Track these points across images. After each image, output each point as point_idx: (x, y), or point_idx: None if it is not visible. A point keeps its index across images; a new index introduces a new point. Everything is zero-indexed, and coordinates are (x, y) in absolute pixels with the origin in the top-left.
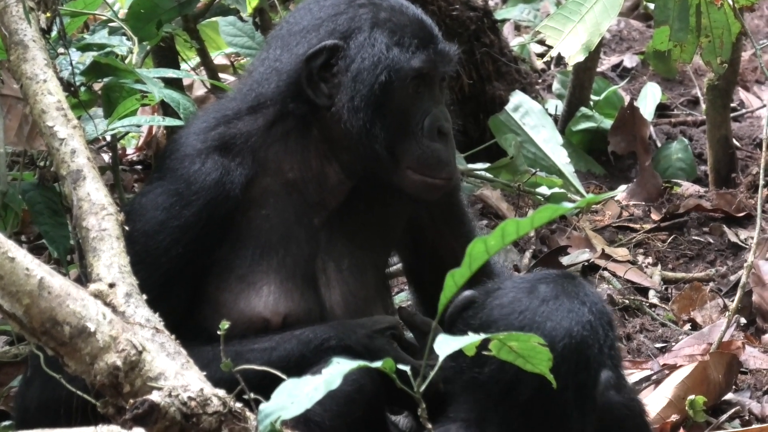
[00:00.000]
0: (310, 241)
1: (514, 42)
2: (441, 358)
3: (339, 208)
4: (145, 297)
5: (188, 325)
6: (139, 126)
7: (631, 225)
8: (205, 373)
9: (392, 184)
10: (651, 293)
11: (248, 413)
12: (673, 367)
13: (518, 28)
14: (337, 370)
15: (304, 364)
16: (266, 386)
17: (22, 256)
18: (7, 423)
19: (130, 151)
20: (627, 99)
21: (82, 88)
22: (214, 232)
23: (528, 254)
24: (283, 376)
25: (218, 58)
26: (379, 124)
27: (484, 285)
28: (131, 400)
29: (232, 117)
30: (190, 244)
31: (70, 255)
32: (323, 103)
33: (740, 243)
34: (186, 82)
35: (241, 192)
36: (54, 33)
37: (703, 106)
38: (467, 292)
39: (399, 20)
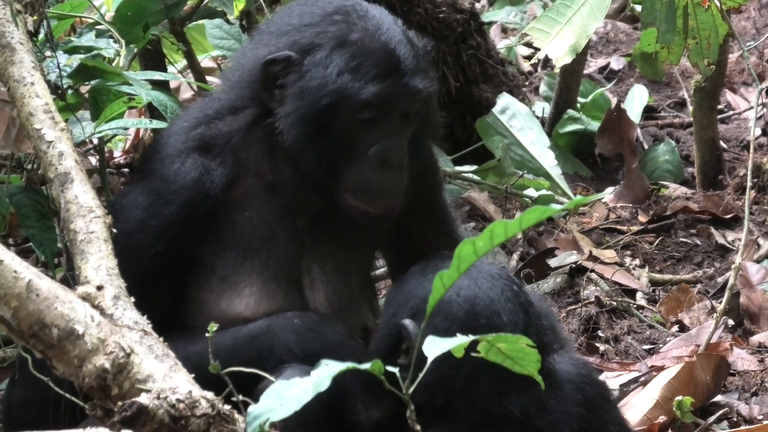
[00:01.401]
0: (294, 242)
1: (500, 44)
2: (429, 360)
3: (322, 209)
4: (132, 299)
5: (172, 325)
6: (126, 129)
7: (619, 227)
8: None
9: (333, 201)
10: (638, 295)
11: (237, 415)
12: (660, 369)
13: (505, 31)
14: (326, 372)
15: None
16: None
17: (10, 258)
18: None
19: (117, 154)
20: (614, 101)
21: (70, 91)
22: (194, 232)
23: (515, 256)
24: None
25: (205, 61)
26: (315, 144)
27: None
28: (120, 403)
29: (213, 117)
30: (170, 243)
31: (57, 258)
32: (275, 109)
33: (727, 245)
34: (173, 84)
35: (222, 192)
36: (41, 36)
37: (690, 108)
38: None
39: (366, 45)
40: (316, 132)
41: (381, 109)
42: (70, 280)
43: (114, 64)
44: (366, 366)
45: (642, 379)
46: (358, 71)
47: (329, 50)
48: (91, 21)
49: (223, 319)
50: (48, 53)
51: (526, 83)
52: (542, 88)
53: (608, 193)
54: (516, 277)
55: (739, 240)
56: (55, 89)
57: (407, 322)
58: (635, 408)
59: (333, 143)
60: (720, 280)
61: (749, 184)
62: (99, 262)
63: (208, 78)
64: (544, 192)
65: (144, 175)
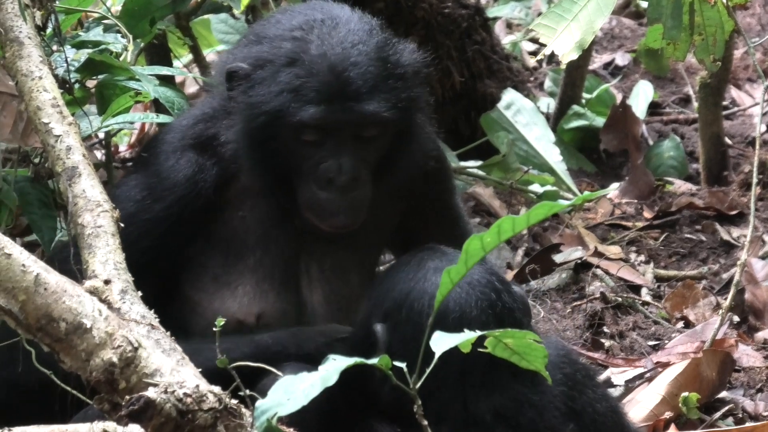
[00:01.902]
0: (292, 242)
1: (505, 40)
2: (437, 355)
3: None
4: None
5: (167, 323)
6: (132, 123)
7: (624, 223)
8: None
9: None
10: (643, 291)
11: (244, 410)
12: (666, 365)
13: (510, 26)
14: (334, 367)
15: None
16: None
17: (18, 252)
18: None
19: (122, 148)
20: (619, 97)
21: (77, 86)
22: (185, 229)
23: (521, 252)
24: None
25: (210, 56)
26: (258, 159)
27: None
28: (127, 397)
29: (211, 116)
30: (159, 239)
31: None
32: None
33: (732, 241)
34: (178, 79)
35: (215, 192)
36: (49, 30)
37: (695, 104)
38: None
39: (314, 66)
40: (258, 147)
41: (325, 131)
42: (78, 274)
43: (121, 58)
44: (373, 361)
45: (647, 375)
46: (299, 92)
47: (278, 67)
48: (97, 15)
49: (217, 318)
50: (56, 47)
51: (531, 79)
52: (547, 83)
53: (613, 189)
54: (493, 273)
55: (745, 236)
56: (62, 83)
57: (378, 327)
58: (641, 404)
59: (277, 160)
60: (725, 276)
61: (755, 180)
62: (106, 256)
63: None
64: (548, 188)
65: (139, 168)
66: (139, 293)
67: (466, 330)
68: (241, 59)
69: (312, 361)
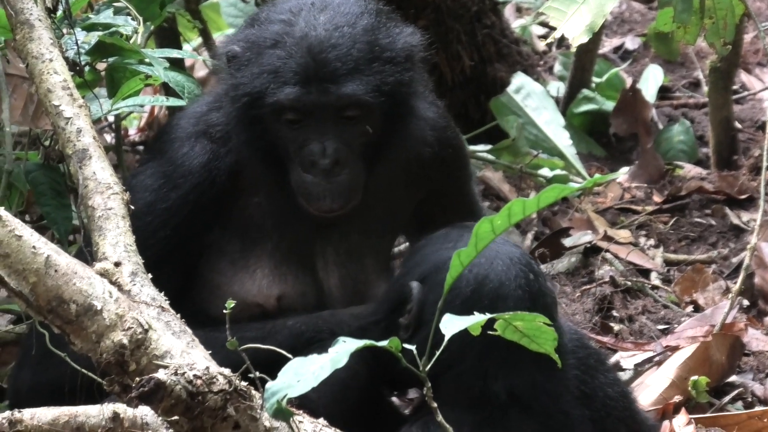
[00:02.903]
0: (307, 226)
1: (515, 23)
2: (447, 338)
3: None
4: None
5: (186, 307)
6: (142, 106)
7: (633, 207)
8: None
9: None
10: (653, 275)
11: (253, 392)
12: (675, 349)
13: (519, 10)
14: (344, 349)
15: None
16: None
17: (28, 234)
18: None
19: (132, 131)
20: (629, 81)
21: (87, 68)
22: (201, 216)
23: (530, 236)
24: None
25: (220, 39)
26: (247, 139)
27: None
28: (137, 378)
29: (222, 101)
30: (178, 227)
31: (73, 235)
32: None
33: (742, 225)
34: (188, 63)
35: (230, 178)
36: (59, 12)
37: (705, 88)
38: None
39: (296, 47)
40: (246, 130)
41: (304, 112)
42: (88, 256)
43: (132, 41)
44: (383, 343)
45: (656, 359)
46: (278, 73)
47: (262, 49)
48: None
49: (237, 301)
50: (66, 30)
51: (541, 63)
52: (557, 67)
53: (623, 173)
54: (532, 258)
55: (754, 220)
56: (73, 66)
57: (414, 284)
58: (650, 387)
59: (264, 142)
60: (735, 260)
61: (765, 164)
62: (117, 238)
63: None
64: (558, 172)
65: (153, 157)
66: (150, 275)
67: (500, 303)
68: (235, 42)
69: None
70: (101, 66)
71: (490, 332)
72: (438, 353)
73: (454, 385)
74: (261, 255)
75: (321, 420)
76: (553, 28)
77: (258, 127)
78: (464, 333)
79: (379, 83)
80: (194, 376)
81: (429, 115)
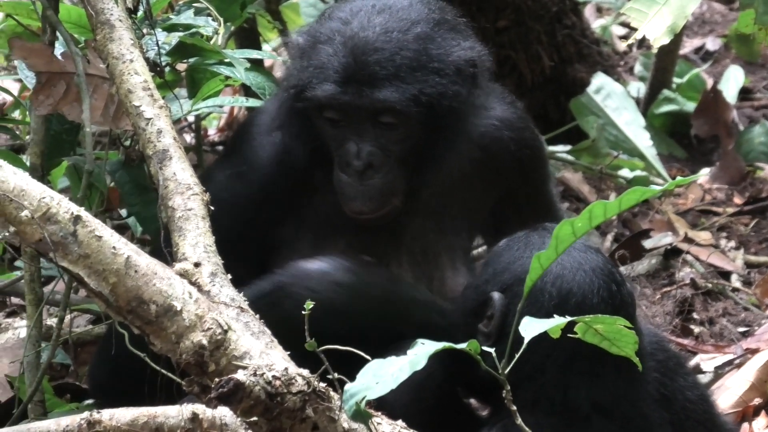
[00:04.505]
0: (380, 225)
1: (595, 24)
2: (526, 340)
3: (409, 192)
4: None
5: None
6: (221, 107)
7: (714, 209)
8: None
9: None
10: (734, 277)
11: (332, 393)
12: (755, 352)
13: (600, 10)
14: (423, 351)
15: None
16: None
17: (108, 234)
18: (89, 401)
19: (211, 131)
20: (710, 82)
21: (167, 69)
22: (273, 211)
23: (610, 237)
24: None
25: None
26: (295, 133)
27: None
28: (216, 379)
29: None
30: (250, 223)
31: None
32: None
33: None
34: (267, 63)
35: (302, 174)
36: (140, 13)
37: None
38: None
39: (342, 47)
40: (292, 121)
41: (343, 112)
42: (168, 256)
43: (212, 42)
44: (462, 346)
45: (737, 361)
46: (322, 69)
47: (316, 44)
48: None
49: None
50: (146, 30)
51: (621, 63)
52: (637, 68)
53: (704, 175)
54: (614, 265)
55: None
56: (153, 67)
57: (496, 295)
58: (730, 390)
59: (308, 135)
60: None
61: None
62: (197, 239)
63: None
64: (638, 173)
65: (228, 154)
66: (229, 276)
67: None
68: (301, 34)
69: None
70: (181, 67)
71: (572, 342)
72: (517, 356)
73: (534, 394)
74: (333, 252)
75: (399, 422)
76: (633, 29)
77: (304, 120)
78: (546, 345)
79: (418, 93)
80: (273, 377)
81: (507, 116)
